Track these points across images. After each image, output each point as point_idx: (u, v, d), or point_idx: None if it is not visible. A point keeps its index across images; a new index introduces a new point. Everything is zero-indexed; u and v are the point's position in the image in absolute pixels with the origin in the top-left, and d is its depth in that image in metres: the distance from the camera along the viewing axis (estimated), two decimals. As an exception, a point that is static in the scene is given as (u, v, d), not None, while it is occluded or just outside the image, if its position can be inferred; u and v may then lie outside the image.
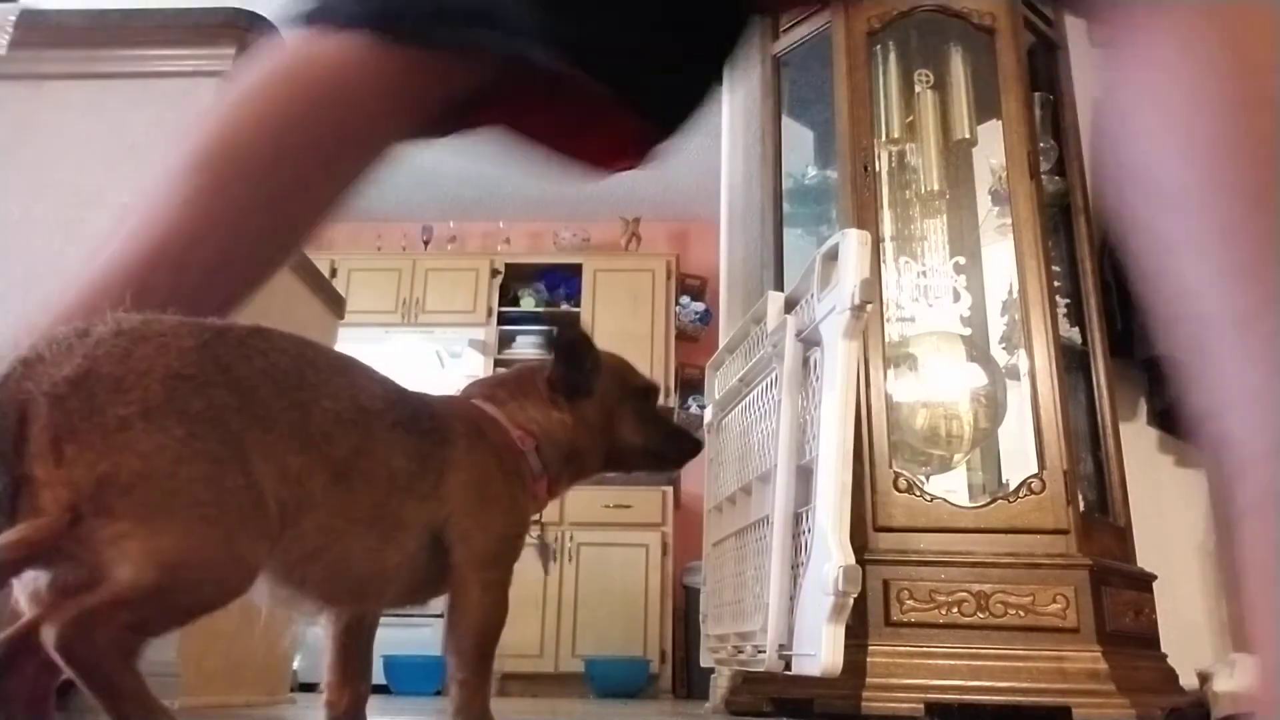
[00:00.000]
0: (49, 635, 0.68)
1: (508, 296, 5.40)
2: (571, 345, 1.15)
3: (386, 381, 0.98)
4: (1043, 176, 2.16)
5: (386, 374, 1.02)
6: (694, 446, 1.29)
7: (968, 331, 2.20)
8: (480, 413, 1.10)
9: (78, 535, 0.71)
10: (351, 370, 0.93)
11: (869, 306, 1.41)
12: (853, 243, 1.43)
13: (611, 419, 1.19)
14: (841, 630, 1.31)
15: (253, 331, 0.85)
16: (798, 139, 2.55)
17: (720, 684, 2.20)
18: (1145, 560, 2.02)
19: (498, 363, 5.17)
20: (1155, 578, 1.97)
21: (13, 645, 0.77)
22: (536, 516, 1.15)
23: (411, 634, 3.63)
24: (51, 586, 0.75)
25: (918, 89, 2.33)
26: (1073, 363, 2.15)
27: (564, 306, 5.34)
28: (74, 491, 0.69)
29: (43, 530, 0.70)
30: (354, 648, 1.06)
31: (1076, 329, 2.21)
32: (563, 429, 1.16)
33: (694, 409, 4.85)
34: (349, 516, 0.89)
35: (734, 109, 2.74)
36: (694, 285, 5.41)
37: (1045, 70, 2.40)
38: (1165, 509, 2.39)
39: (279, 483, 0.82)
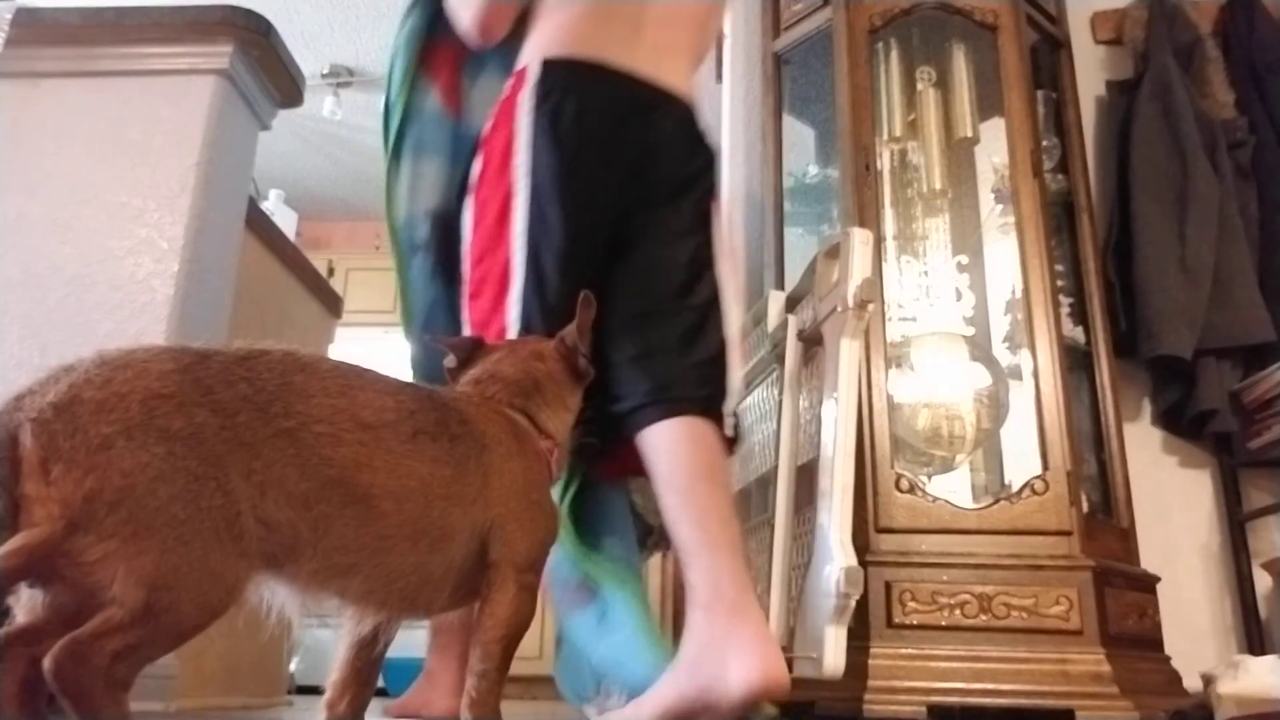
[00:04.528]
0: (46, 663, 0.69)
1: (507, 296, 5.38)
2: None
3: (403, 390, 0.97)
4: (1046, 175, 2.14)
5: (406, 380, 1.01)
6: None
7: (970, 331, 2.18)
8: (514, 421, 1.09)
9: (69, 551, 0.72)
10: (352, 389, 0.91)
11: (870, 306, 1.40)
12: (854, 242, 1.42)
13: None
14: (843, 632, 1.30)
15: (239, 358, 0.85)
16: (799, 137, 2.54)
17: (721, 686, 2.19)
18: (1149, 562, 2.00)
19: (497, 362, 5.14)
20: (1159, 579, 1.95)
21: (4, 648, 0.77)
22: None
23: (410, 635, 3.60)
24: (47, 605, 0.76)
25: (920, 87, 2.32)
26: (1076, 363, 2.13)
27: (564, 306, 5.31)
28: (64, 506, 0.72)
29: (38, 537, 0.72)
30: (365, 655, 1.06)
31: (1080, 328, 2.20)
32: (570, 420, 1.17)
33: (694, 409, 4.84)
34: (379, 533, 0.89)
35: (734, 107, 2.73)
36: (694, 285, 5.39)
37: (1048, 68, 2.39)
38: (1169, 510, 2.38)
39: (284, 507, 0.82)
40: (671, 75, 1.37)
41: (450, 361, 1.16)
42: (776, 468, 1.52)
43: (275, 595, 0.93)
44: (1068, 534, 1.77)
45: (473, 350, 1.19)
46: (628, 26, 1.39)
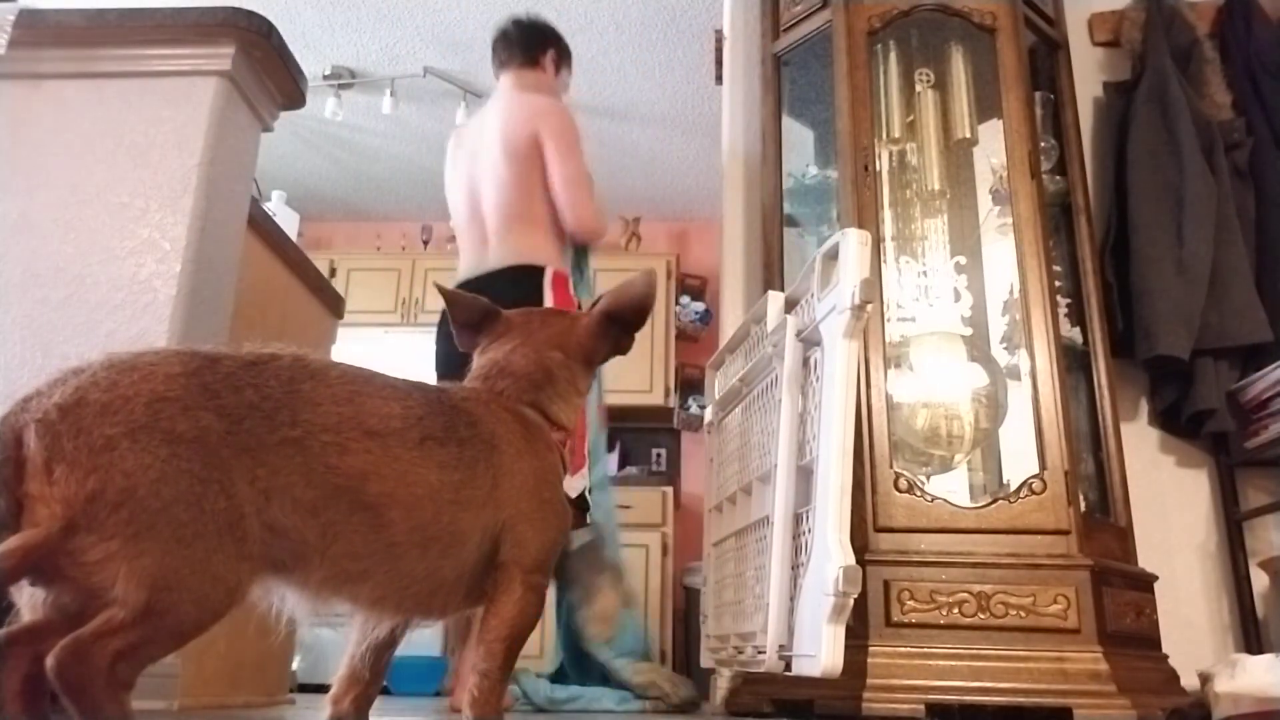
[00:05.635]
0: (49, 662, 0.70)
1: (508, 296, 5.39)
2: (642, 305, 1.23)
3: (411, 396, 0.96)
4: (1044, 176, 2.15)
5: (416, 383, 1.00)
6: None
7: (968, 331, 2.19)
8: (524, 417, 1.09)
9: (71, 551, 0.72)
10: (360, 395, 0.91)
11: (869, 306, 1.41)
12: (853, 242, 1.43)
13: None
14: (841, 631, 1.30)
15: (248, 363, 0.85)
16: (798, 138, 2.55)
17: (721, 684, 2.19)
18: (1146, 561, 2.01)
19: (498, 363, 5.15)
20: (1156, 578, 1.96)
21: (8, 645, 0.77)
22: None
23: (411, 634, 3.61)
24: (51, 605, 0.76)
25: (918, 88, 2.33)
26: (1074, 363, 2.14)
27: (564, 306, 5.32)
28: (67, 506, 0.72)
29: (35, 538, 0.72)
30: (372, 655, 1.06)
31: (1078, 329, 2.20)
32: (580, 404, 1.18)
33: (694, 409, 4.84)
34: (388, 540, 0.89)
35: (734, 108, 2.73)
36: (694, 285, 5.40)
37: (1046, 69, 2.40)
38: (1166, 509, 2.38)
39: (290, 514, 0.82)
40: (505, 252, 2.32)
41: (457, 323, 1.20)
42: (775, 467, 1.53)
43: (285, 599, 0.93)
44: (1065, 533, 1.78)
45: (484, 318, 1.19)
46: (476, 243, 2.41)
